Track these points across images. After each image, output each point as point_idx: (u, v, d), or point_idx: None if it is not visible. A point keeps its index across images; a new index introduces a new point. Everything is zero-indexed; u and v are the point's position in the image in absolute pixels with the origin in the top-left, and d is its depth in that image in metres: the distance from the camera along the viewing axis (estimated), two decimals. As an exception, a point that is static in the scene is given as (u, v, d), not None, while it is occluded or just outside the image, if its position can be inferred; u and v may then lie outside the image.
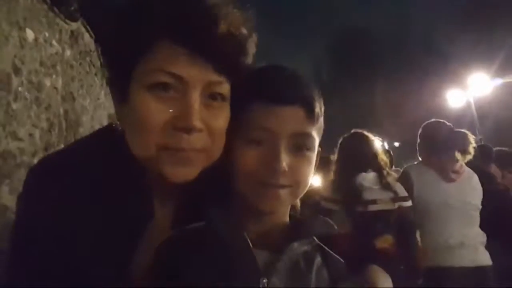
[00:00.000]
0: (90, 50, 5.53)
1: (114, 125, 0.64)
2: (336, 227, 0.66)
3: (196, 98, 0.53)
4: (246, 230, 0.58)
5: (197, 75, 0.52)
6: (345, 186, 1.75)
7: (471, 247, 1.89)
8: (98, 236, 0.55)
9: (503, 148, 3.76)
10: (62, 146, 4.65)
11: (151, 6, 0.52)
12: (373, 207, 1.78)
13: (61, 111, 4.51)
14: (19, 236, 0.57)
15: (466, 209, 1.96)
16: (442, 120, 2.28)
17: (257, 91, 0.55)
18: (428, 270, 1.82)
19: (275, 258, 0.55)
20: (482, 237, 1.94)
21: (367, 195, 1.80)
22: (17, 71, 3.52)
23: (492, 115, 13.77)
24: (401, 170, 2.36)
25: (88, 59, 5.51)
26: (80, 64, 5.21)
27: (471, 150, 2.13)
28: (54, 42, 4.25)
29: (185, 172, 0.55)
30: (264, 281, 0.53)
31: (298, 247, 0.56)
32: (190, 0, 0.53)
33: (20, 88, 3.56)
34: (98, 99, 6.22)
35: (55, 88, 4.33)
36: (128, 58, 0.54)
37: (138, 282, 0.58)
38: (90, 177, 0.55)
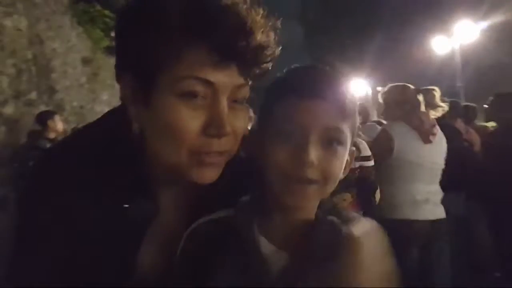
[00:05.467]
0: (55, -14, 5.02)
1: (117, 113, 0.63)
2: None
3: (225, 104, 0.55)
4: (272, 227, 0.58)
5: (226, 80, 0.54)
6: None
7: (433, 203, 2.02)
8: (101, 234, 0.56)
9: (470, 104, 3.70)
10: (34, 93, 4.41)
11: (184, 11, 0.52)
12: None
13: (29, 55, 4.21)
14: (25, 225, 0.58)
15: (434, 169, 2.05)
16: (403, 83, 2.26)
17: (290, 87, 0.57)
18: (394, 222, 1.98)
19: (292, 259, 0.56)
20: (440, 193, 2.07)
21: None
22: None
23: (475, 62, 13.85)
24: (380, 128, 2.40)
25: (53, -4, 5.02)
26: (46, 2, 4.76)
27: (438, 102, 2.19)
28: (11, -24, 3.81)
29: (211, 174, 0.57)
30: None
31: None
32: (224, 9, 0.53)
33: (-22, 31, 3.26)
34: (69, 41, 5.81)
35: (19, 29, 3.98)
36: (156, 63, 0.53)
37: (145, 280, 0.60)
38: (95, 171, 0.57)
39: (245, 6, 0.54)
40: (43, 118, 3.72)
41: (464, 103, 3.93)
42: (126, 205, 0.57)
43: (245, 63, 0.54)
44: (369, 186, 1.94)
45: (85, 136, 0.65)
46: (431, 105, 2.15)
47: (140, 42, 0.54)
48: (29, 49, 4.20)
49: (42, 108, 4.39)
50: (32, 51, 4.27)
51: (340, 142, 0.57)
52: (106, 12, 6.66)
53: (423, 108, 2.10)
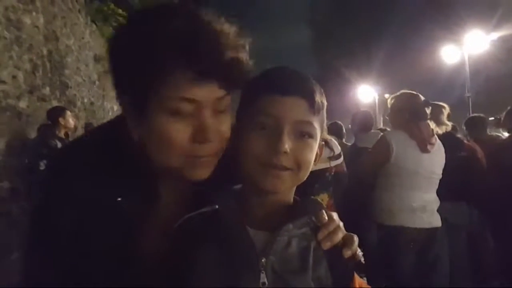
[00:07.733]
0: (72, -16, 5.13)
1: (122, 120, 0.70)
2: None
3: (208, 115, 0.63)
4: (251, 212, 0.64)
5: (208, 95, 0.62)
6: None
7: (430, 211, 2.05)
8: (104, 226, 0.64)
9: (479, 115, 3.64)
10: (48, 88, 4.52)
11: (169, 36, 0.60)
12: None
13: (45, 51, 4.32)
14: (39, 221, 0.66)
15: (432, 178, 2.08)
16: (415, 92, 2.29)
17: (265, 85, 0.64)
18: (391, 229, 2.05)
19: (272, 238, 0.61)
20: (437, 202, 2.09)
21: None
22: (-7, 7, 3.29)
23: (484, 72, 13.74)
24: (380, 135, 2.43)
25: (70, -6, 5.13)
26: (62, 0, 4.88)
27: (444, 119, 2.21)
28: (31, -26, 3.91)
29: (203, 172, 0.66)
30: (263, 261, 0.59)
31: (294, 228, 0.62)
32: (202, 29, 0.61)
33: (-2, 27, 3.36)
34: (83, 38, 5.93)
35: (36, 26, 4.09)
36: (145, 87, 0.62)
37: (146, 267, 0.66)
38: (101, 171, 0.66)
39: (218, 26, 0.62)
40: (54, 115, 3.81)
41: (472, 114, 3.90)
42: (119, 199, 0.65)
43: (222, 78, 0.62)
44: (343, 180, 1.99)
45: (92, 140, 0.75)
46: (436, 120, 2.18)
47: (130, 68, 0.62)
48: (45, 45, 4.31)
49: (55, 103, 4.49)
50: (47, 47, 4.37)
51: (310, 134, 0.64)
52: (119, 10, 6.78)
53: (426, 120, 2.12)
